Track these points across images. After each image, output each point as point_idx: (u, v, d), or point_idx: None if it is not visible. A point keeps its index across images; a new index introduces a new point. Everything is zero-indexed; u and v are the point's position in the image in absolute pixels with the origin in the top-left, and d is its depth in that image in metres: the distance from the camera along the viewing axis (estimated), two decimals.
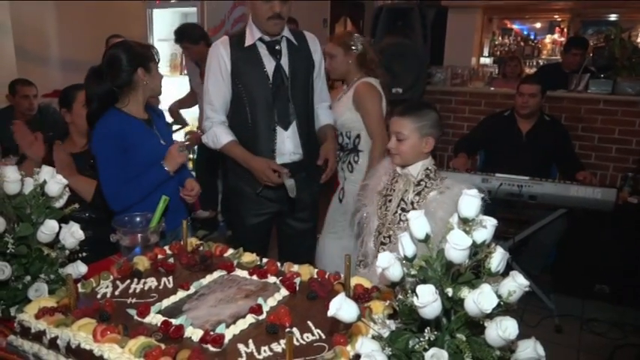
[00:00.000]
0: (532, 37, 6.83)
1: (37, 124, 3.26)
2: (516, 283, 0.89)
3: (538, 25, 6.88)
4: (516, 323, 0.85)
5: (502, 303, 0.88)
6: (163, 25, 4.57)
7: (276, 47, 2.17)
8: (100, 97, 1.92)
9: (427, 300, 0.86)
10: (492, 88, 4.55)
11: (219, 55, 2.16)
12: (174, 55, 4.68)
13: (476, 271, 0.95)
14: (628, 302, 3.06)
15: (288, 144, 2.20)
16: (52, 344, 1.14)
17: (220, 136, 2.19)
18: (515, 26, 6.84)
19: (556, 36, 6.26)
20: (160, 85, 2.04)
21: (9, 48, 4.23)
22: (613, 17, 5.77)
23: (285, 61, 2.18)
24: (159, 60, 2.03)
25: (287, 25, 2.22)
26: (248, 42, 2.14)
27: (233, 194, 2.34)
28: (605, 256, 3.11)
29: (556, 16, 6.28)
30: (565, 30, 6.10)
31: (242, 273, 1.48)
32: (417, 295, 0.87)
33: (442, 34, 5.01)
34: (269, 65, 2.16)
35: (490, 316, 0.87)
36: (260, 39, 2.15)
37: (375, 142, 2.53)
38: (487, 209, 1.88)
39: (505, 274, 0.94)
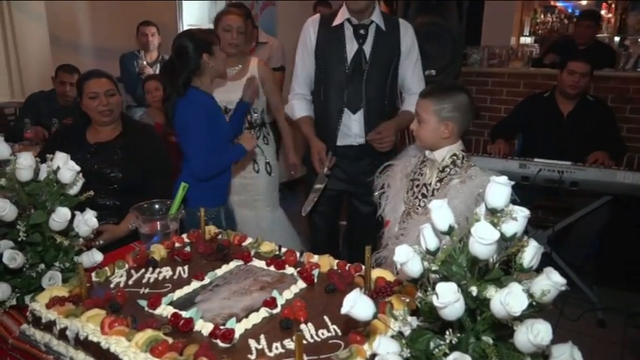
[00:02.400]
0: (577, 14, 6.46)
1: (73, 110, 3.28)
2: (551, 282, 0.79)
3: (583, 2, 6.50)
4: (550, 327, 0.76)
5: (534, 304, 0.79)
6: (192, 11, 4.55)
7: (361, 32, 2.20)
8: (175, 86, 2.08)
9: (448, 300, 0.77)
10: (532, 68, 4.32)
11: (308, 31, 2.28)
12: None
13: (506, 267, 0.86)
14: None
15: (354, 127, 2.27)
16: (62, 335, 1.12)
17: (295, 110, 2.33)
18: (558, 3, 6.48)
19: (603, 12, 5.89)
20: (223, 66, 2.19)
21: (44, 37, 4.31)
22: None
23: (368, 46, 2.21)
24: (219, 42, 2.17)
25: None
26: (337, 21, 2.22)
27: (308, 168, 2.44)
28: None
29: None
30: (613, 6, 5.74)
31: (259, 263, 1.42)
32: (436, 295, 0.78)
33: (479, 12, 4.78)
34: (350, 48, 2.21)
35: (520, 318, 0.78)
36: (348, 20, 2.20)
37: (280, 114, 2.75)
38: (524, 197, 1.76)
39: (543, 267, 0.84)
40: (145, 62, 4.13)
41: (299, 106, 2.33)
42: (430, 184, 1.71)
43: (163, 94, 2.19)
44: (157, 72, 4.04)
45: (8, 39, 4.18)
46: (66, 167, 1.31)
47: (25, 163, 1.26)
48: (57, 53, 4.24)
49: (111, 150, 2.22)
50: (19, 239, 1.24)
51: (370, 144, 2.26)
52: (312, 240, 2.55)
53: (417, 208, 1.71)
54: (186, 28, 4.54)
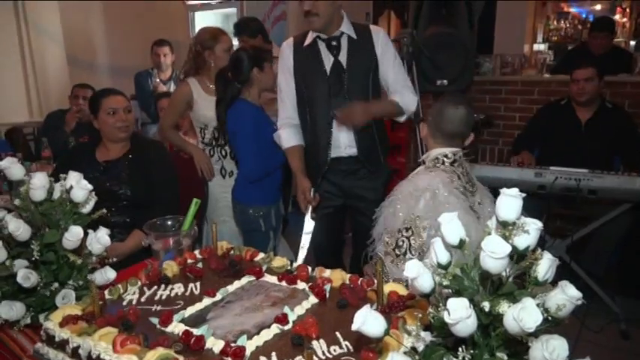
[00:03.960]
0: (592, 20, 6.40)
1: (86, 129, 3.33)
2: (566, 296, 0.77)
3: (598, 7, 6.43)
4: (566, 343, 0.74)
5: (549, 319, 0.76)
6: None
7: (333, 43, 2.23)
8: (225, 93, 2.36)
9: (459, 316, 0.76)
10: (546, 75, 4.27)
11: (285, 55, 2.32)
12: None
13: (520, 280, 0.84)
14: None
15: (343, 138, 2.26)
16: (75, 353, 1.12)
17: (283, 140, 2.33)
18: (572, 9, 6.43)
19: (617, 17, 5.82)
20: (270, 82, 2.41)
21: (61, 57, 4.42)
22: None
23: (343, 57, 2.24)
24: (271, 60, 2.40)
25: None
26: (308, 41, 2.27)
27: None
28: None
29: None
30: (627, 10, 5.67)
31: (271, 279, 1.41)
32: (448, 311, 0.77)
33: (491, 21, 4.76)
34: (327, 61, 2.24)
35: (535, 333, 0.76)
36: (318, 37, 2.24)
37: None
38: (541, 206, 1.74)
39: (562, 277, 0.82)
40: (158, 80, 4.20)
41: (286, 136, 2.32)
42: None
43: (217, 97, 2.44)
44: (171, 90, 4.10)
45: (26, 59, 4.28)
46: (78, 186, 1.33)
47: (38, 184, 1.27)
48: (74, 72, 4.34)
49: (119, 167, 2.24)
50: (33, 258, 1.25)
51: (361, 153, 2.26)
52: (315, 254, 2.50)
53: None
54: None
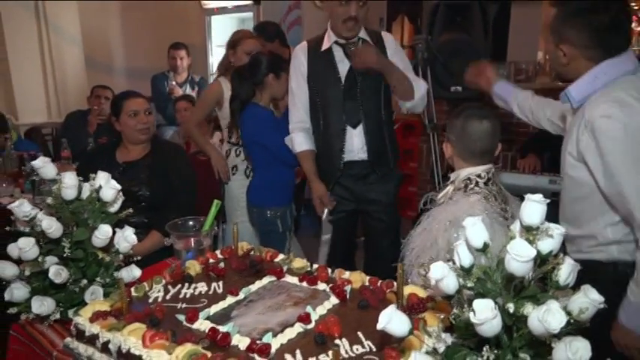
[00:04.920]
0: None
1: (107, 129, 3.39)
2: (589, 299, 0.79)
3: None
4: (589, 344, 0.76)
5: (572, 321, 0.79)
6: (221, 31, 4.68)
7: (351, 48, 2.24)
8: (240, 91, 2.44)
9: (485, 316, 0.78)
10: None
11: (299, 59, 2.32)
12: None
13: (542, 284, 0.87)
14: None
15: (356, 142, 2.28)
16: (105, 348, 1.16)
17: (295, 144, 2.35)
18: None
19: (633, 25, 5.81)
20: (282, 92, 2.45)
21: (80, 59, 4.49)
22: None
23: None
24: (287, 71, 2.40)
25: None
26: (325, 46, 2.27)
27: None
28: None
29: (633, 4, 5.83)
30: None
31: (292, 279, 1.44)
32: (473, 311, 0.79)
33: (505, 28, 4.77)
34: (342, 67, 2.26)
35: (558, 335, 0.78)
36: (336, 42, 2.25)
37: None
38: (556, 213, 1.69)
39: (576, 286, 0.84)
40: (174, 83, 4.26)
41: (298, 140, 2.35)
42: (439, 202, 1.71)
43: (232, 94, 2.53)
44: (187, 92, 4.16)
45: (46, 61, 4.36)
46: (108, 186, 1.37)
47: (70, 183, 1.31)
48: (92, 74, 4.42)
49: (139, 169, 2.28)
50: (64, 255, 1.29)
51: (373, 157, 2.29)
52: (328, 259, 2.53)
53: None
54: (215, 47, 4.66)
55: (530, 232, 0.84)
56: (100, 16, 4.46)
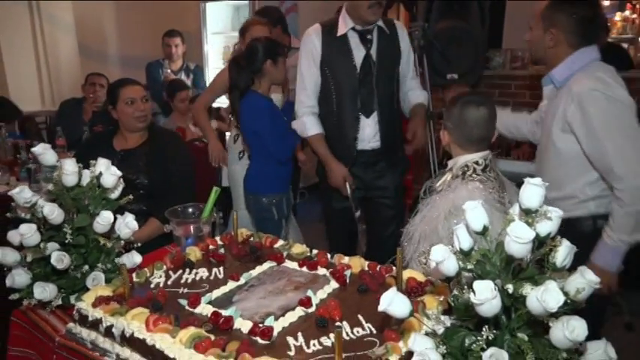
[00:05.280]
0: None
1: (102, 117, 3.38)
2: (585, 280, 0.81)
3: (607, 2, 6.42)
4: (585, 324, 0.78)
5: (569, 301, 0.81)
6: (216, 19, 4.63)
7: (368, 36, 2.22)
8: (238, 81, 2.39)
9: (485, 297, 0.80)
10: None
11: (312, 43, 2.26)
12: (226, 48, 4.74)
13: (539, 266, 0.88)
14: None
15: (368, 131, 2.27)
16: (108, 332, 1.17)
17: (308, 127, 2.31)
18: None
19: (627, 13, 5.81)
20: (281, 77, 2.42)
21: (73, 46, 4.45)
22: None
23: (374, 50, 2.24)
24: (286, 55, 2.38)
25: None
26: (340, 31, 2.22)
27: (322, 179, 2.44)
28: None
29: None
30: (638, 6, 5.66)
31: (292, 265, 1.46)
32: (474, 292, 0.81)
33: (501, 15, 4.77)
34: (358, 54, 2.23)
35: (555, 315, 0.80)
36: (352, 28, 2.21)
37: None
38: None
39: (571, 268, 0.86)
40: (169, 71, 4.24)
41: (310, 123, 2.31)
42: (437, 189, 1.70)
43: (229, 83, 2.48)
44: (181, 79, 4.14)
45: (39, 50, 4.32)
46: (108, 172, 1.37)
47: (70, 169, 1.32)
48: (85, 62, 4.38)
49: (137, 156, 2.28)
50: (66, 241, 1.30)
51: (384, 145, 2.30)
52: (329, 243, 2.55)
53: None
54: (210, 35, 4.63)
55: (530, 215, 0.86)
56: (93, 4, 4.40)
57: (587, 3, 1.75)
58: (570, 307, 0.82)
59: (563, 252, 0.86)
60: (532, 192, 0.86)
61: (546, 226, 0.85)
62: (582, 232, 1.70)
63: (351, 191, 2.28)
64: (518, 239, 0.80)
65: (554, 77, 1.78)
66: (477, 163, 1.65)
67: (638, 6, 5.44)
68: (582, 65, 1.71)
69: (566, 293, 0.81)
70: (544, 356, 0.83)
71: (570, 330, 0.77)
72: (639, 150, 1.59)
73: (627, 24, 5.55)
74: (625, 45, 5.21)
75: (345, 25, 2.21)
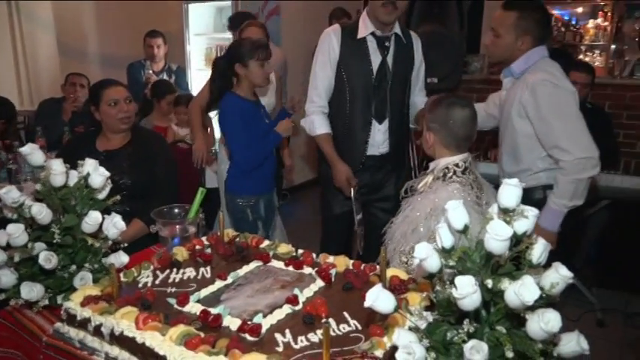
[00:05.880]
0: (574, 22, 6.56)
1: (82, 117, 3.35)
2: (559, 275, 0.86)
3: (580, 9, 6.60)
4: (559, 316, 0.83)
5: (544, 295, 0.86)
6: (199, 20, 4.63)
7: (386, 43, 2.24)
8: (219, 84, 2.37)
9: (467, 291, 0.85)
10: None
11: (331, 42, 2.26)
12: (209, 50, 4.74)
13: (516, 263, 0.93)
14: None
15: (379, 137, 2.31)
16: (97, 331, 1.18)
17: (317, 126, 2.32)
18: (555, 11, 6.58)
19: (599, 20, 6.00)
20: (258, 78, 2.32)
21: (52, 45, 4.39)
22: None
23: (390, 58, 2.26)
24: (265, 57, 2.30)
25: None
26: (360, 34, 2.24)
27: (324, 181, 2.46)
28: None
29: (599, 0, 6.01)
30: (609, 14, 5.84)
31: (278, 264, 1.49)
32: (455, 287, 0.86)
33: (479, 21, 4.88)
34: (375, 60, 2.24)
35: (531, 308, 0.85)
36: (372, 33, 2.22)
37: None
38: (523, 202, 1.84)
39: (547, 265, 0.91)
40: (151, 72, 4.22)
41: (319, 122, 2.32)
42: (419, 191, 1.75)
43: (210, 85, 2.47)
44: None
45: (17, 48, 4.26)
46: (96, 173, 1.39)
47: (58, 169, 1.33)
48: (65, 62, 4.32)
49: (120, 157, 2.28)
50: (55, 241, 1.30)
51: (392, 151, 2.33)
52: (325, 245, 2.55)
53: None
54: (192, 36, 4.62)
55: (507, 214, 0.91)
56: (73, 3, 4.35)
57: (544, 8, 2.07)
58: (546, 301, 0.87)
59: (539, 249, 0.92)
60: (510, 192, 0.91)
61: (523, 224, 0.90)
62: (534, 200, 1.95)
63: (354, 192, 2.30)
64: (497, 236, 0.85)
65: (513, 70, 2.04)
66: (457, 165, 1.71)
67: (609, 14, 5.62)
68: (536, 60, 1.99)
69: (541, 288, 0.86)
70: (521, 347, 0.87)
71: (545, 322, 0.82)
72: (579, 129, 1.90)
73: (599, 31, 5.73)
74: (597, 51, 5.38)
75: (365, 28, 2.23)
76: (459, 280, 0.85)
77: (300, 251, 1.55)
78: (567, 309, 2.92)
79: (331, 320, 1.17)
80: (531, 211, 0.91)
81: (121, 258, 1.45)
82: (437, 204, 1.61)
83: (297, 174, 4.63)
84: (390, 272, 1.36)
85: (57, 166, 1.33)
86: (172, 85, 3.96)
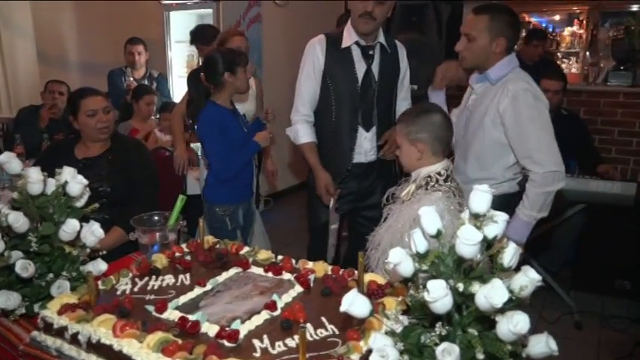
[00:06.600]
0: (550, 29, 6.71)
1: (61, 125, 3.32)
2: (528, 278, 0.89)
3: (557, 17, 6.75)
4: (527, 317, 0.86)
5: (514, 298, 0.88)
6: (180, 27, 4.63)
7: (370, 52, 2.27)
8: (199, 96, 2.41)
9: (438, 295, 0.87)
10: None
11: (315, 52, 2.29)
12: (190, 57, 4.73)
13: (489, 266, 0.96)
14: None
15: (366, 145, 2.33)
16: (74, 339, 1.18)
17: (300, 134, 2.35)
18: (533, 19, 6.73)
19: (575, 28, 6.14)
20: (243, 85, 2.37)
21: (32, 53, 4.35)
22: (635, 7, 5.63)
23: (375, 67, 2.29)
24: (246, 64, 2.34)
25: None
26: (345, 44, 2.27)
27: (310, 190, 2.46)
28: (625, 252, 3.06)
29: (575, 8, 6.16)
30: (584, 22, 5.99)
31: (257, 270, 1.50)
32: (428, 290, 0.88)
33: (458, 29, 4.95)
34: (360, 69, 2.27)
35: (501, 310, 0.87)
36: (356, 42, 2.25)
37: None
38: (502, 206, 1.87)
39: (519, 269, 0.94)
40: (132, 79, 4.20)
41: (303, 131, 2.35)
42: (405, 201, 1.75)
43: (188, 97, 2.53)
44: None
45: None
46: (74, 181, 1.38)
47: (35, 178, 1.32)
48: (44, 69, 4.29)
49: (99, 165, 2.27)
50: (32, 250, 1.30)
51: (378, 159, 2.35)
52: (312, 253, 2.53)
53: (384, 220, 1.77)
54: (173, 43, 4.62)
55: (478, 219, 0.93)
56: (53, 10, 4.32)
57: (513, 11, 2.09)
58: (515, 303, 0.90)
59: (510, 253, 0.94)
60: (480, 198, 0.94)
61: (493, 229, 0.92)
62: (495, 207, 1.95)
63: (334, 202, 2.31)
64: (467, 241, 0.88)
65: (489, 76, 2.04)
66: (439, 173, 1.72)
67: (585, 22, 5.76)
68: (511, 69, 2.02)
69: (511, 291, 0.89)
70: (491, 349, 0.90)
71: (514, 324, 0.85)
72: (551, 142, 1.94)
73: (575, 39, 5.87)
74: (573, 59, 5.50)
75: (349, 38, 2.26)
76: (431, 284, 0.88)
77: (280, 257, 1.56)
78: (545, 312, 2.97)
79: (309, 325, 1.18)
80: (501, 216, 0.93)
81: (99, 266, 1.45)
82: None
83: (281, 180, 4.64)
84: (368, 277, 1.38)
85: (34, 174, 1.33)
86: (151, 88, 3.95)
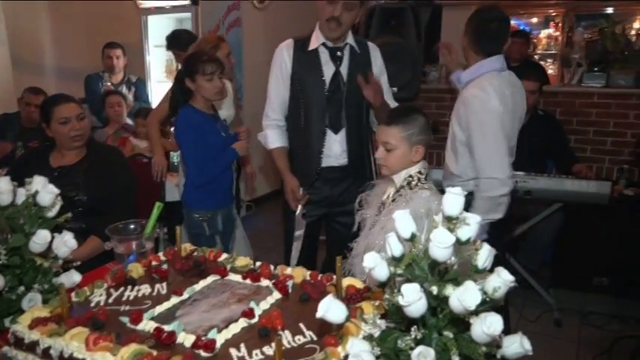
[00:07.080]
0: (528, 31, 6.81)
1: (36, 133, 3.26)
2: (501, 279, 0.89)
3: (534, 20, 6.86)
4: (501, 318, 0.86)
5: (487, 300, 0.89)
6: (159, 31, 4.59)
7: (338, 54, 2.25)
8: (176, 99, 2.38)
9: (412, 299, 0.87)
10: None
11: (282, 57, 2.29)
12: (169, 61, 4.70)
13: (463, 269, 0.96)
14: (627, 294, 3.06)
15: (336, 148, 2.29)
16: (46, 354, 1.15)
17: (269, 140, 2.36)
18: (512, 22, 6.82)
19: (551, 30, 6.25)
20: (209, 92, 2.32)
21: (5, 58, 4.26)
22: (609, 10, 5.75)
23: (344, 68, 2.26)
24: (212, 71, 2.28)
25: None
26: (312, 46, 2.25)
27: (284, 197, 2.43)
28: (603, 249, 3.10)
29: (551, 11, 6.27)
30: (560, 24, 6.10)
31: (235, 277, 1.48)
32: (402, 295, 0.88)
33: (437, 32, 5.00)
34: (328, 70, 2.24)
35: (476, 312, 0.88)
36: (323, 44, 2.23)
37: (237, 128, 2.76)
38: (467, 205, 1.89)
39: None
40: (109, 84, 4.15)
41: (273, 137, 2.34)
42: (386, 203, 1.76)
43: (169, 102, 2.46)
44: (123, 93, 4.07)
45: None
46: (45, 190, 1.35)
47: (5, 188, 1.29)
48: (19, 75, 4.21)
49: (74, 173, 2.23)
50: (1, 262, 1.26)
51: (351, 163, 2.31)
52: (287, 258, 2.49)
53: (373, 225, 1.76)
54: (152, 48, 4.58)
55: (451, 222, 0.94)
56: (27, 15, 4.25)
57: (492, 19, 2.14)
58: (490, 305, 0.90)
59: (484, 255, 0.95)
60: (453, 200, 0.94)
61: (466, 231, 0.93)
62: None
63: (301, 208, 2.30)
64: (440, 244, 0.88)
65: (460, 78, 2.16)
66: (420, 172, 1.73)
67: (560, 24, 5.86)
68: (482, 72, 2.06)
69: (484, 292, 0.89)
70: (467, 351, 0.90)
71: (488, 325, 0.85)
72: (497, 152, 1.99)
73: (551, 41, 5.97)
74: (550, 60, 5.59)
75: (316, 40, 2.24)
76: (405, 287, 0.87)
77: (258, 264, 1.54)
78: (525, 310, 3.00)
79: (287, 332, 1.17)
80: (473, 218, 0.94)
81: (72, 277, 1.42)
82: (417, 211, 1.58)
83: (262, 185, 4.62)
84: (347, 282, 1.37)
85: (3, 184, 1.30)
86: (115, 90, 3.93)
